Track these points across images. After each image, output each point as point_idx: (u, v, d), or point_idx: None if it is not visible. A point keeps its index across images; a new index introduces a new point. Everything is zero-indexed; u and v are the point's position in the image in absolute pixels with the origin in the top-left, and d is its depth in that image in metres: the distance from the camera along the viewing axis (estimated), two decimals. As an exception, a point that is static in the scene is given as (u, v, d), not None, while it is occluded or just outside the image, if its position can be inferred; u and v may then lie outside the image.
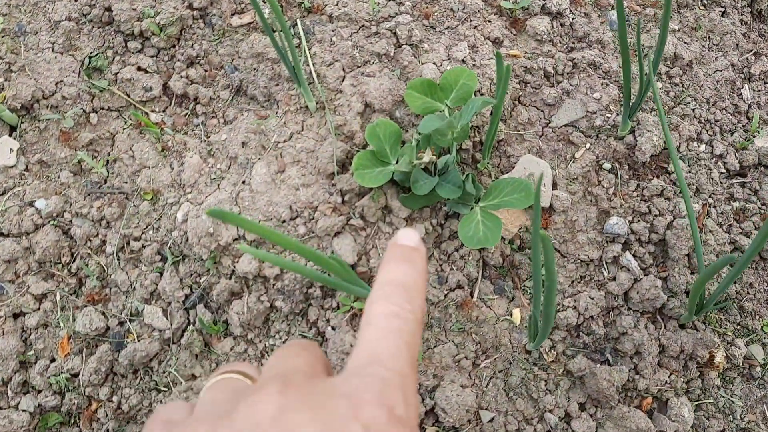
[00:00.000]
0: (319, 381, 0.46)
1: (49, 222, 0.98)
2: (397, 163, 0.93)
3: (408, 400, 0.43)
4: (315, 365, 0.50)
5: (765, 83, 1.13)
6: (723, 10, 1.16)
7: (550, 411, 0.93)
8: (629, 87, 0.92)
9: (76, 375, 0.93)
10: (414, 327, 0.48)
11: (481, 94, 1.02)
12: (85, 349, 0.94)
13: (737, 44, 1.14)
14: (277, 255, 0.81)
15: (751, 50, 1.15)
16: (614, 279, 0.98)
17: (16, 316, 0.95)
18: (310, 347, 0.51)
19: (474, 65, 1.04)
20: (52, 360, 0.94)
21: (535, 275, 0.78)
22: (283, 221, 0.94)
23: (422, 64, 1.03)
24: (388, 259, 0.54)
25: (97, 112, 1.04)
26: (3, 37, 1.04)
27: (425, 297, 0.54)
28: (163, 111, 1.06)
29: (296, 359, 0.50)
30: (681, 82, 1.08)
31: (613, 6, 1.12)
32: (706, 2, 1.16)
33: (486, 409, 0.92)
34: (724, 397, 0.98)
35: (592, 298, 0.96)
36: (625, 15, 0.79)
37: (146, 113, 1.05)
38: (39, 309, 0.95)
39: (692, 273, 0.98)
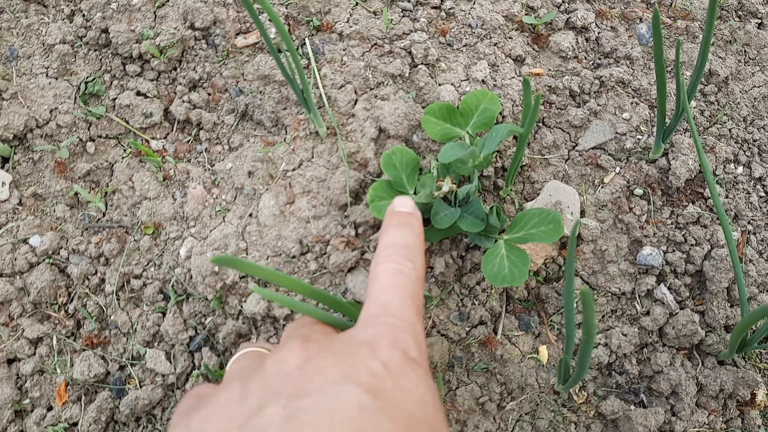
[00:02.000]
0: (336, 335, 0.50)
1: (44, 260, 0.92)
2: (415, 193, 0.87)
3: (419, 345, 0.47)
4: (327, 327, 0.54)
5: (805, 99, 1.06)
6: (759, 21, 1.08)
7: (583, 460, 0.86)
8: (664, 108, 0.85)
9: (74, 424, 0.87)
10: (416, 281, 0.54)
11: (504, 117, 0.95)
12: (83, 397, 0.88)
13: (775, 58, 1.07)
14: (289, 297, 0.76)
15: (790, 63, 1.08)
16: (648, 313, 0.91)
17: (10, 361, 0.89)
18: (320, 320, 0.56)
19: (495, 85, 0.97)
20: (49, 408, 0.88)
21: (568, 321, 0.72)
22: (293, 257, 0.88)
23: (439, 85, 0.96)
24: (387, 224, 0.60)
25: (94, 141, 0.98)
26: (-6, 62, 0.98)
27: (424, 256, 0.58)
28: (165, 138, 1.00)
29: (311, 325, 0.53)
30: (716, 100, 1.01)
31: (641, 19, 1.06)
32: (741, 13, 1.09)
33: (514, 458, 0.86)
34: (766, 437, 0.92)
35: (625, 335, 0.90)
36: (660, 30, 0.72)
37: (146, 141, 0.99)
38: (34, 354, 0.89)
39: (732, 306, 0.92)
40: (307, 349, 0.45)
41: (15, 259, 0.91)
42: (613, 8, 1.08)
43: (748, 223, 0.96)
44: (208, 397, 0.46)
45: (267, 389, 0.42)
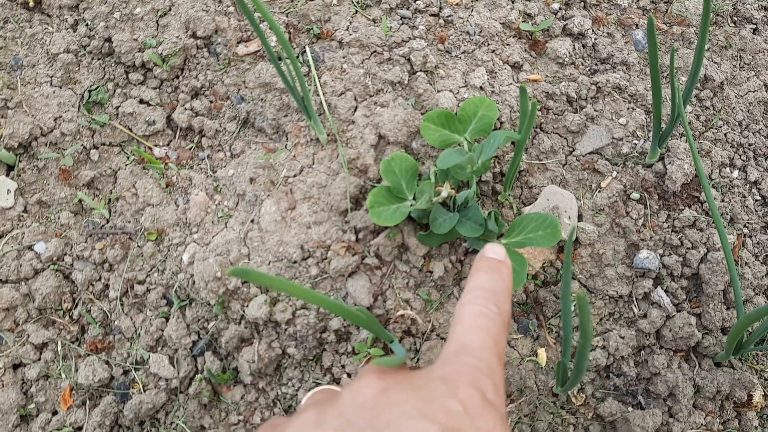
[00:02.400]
0: (413, 371, 0.49)
1: (49, 266, 0.93)
2: (414, 199, 0.88)
3: (497, 388, 0.46)
4: (403, 368, 0.52)
5: (800, 103, 1.07)
6: (754, 27, 1.10)
7: (581, 461, 0.87)
8: (659, 113, 0.86)
9: (79, 429, 0.88)
10: (500, 326, 0.52)
11: (501, 123, 0.96)
12: (88, 401, 0.89)
13: (770, 62, 1.08)
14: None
15: (785, 68, 1.09)
16: (645, 316, 0.92)
17: (15, 366, 0.91)
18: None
19: (493, 92, 0.99)
20: (54, 413, 0.89)
21: (565, 325, 0.73)
22: (294, 262, 0.89)
23: (438, 92, 0.98)
24: (476, 269, 0.59)
25: (98, 149, 0.99)
26: (-1, 71, 1.00)
27: (511, 304, 0.57)
28: (167, 145, 1.01)
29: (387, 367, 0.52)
30: (712, 105, 1.03)
31: (637, 25, 1.07)
32: (736, 19, 1.10)
33: (513, 460, 0.87)
34: (763, 438, 0.93)
35: (623, 337, 0.91)
36: (656, 38, 0.73)
37: (149, 148, 1.00)
38: (40, 359, 0.91)
39: (728, 308, 0.93)
40: (384, 380, 0.45)
41: (20, 266, 0.92)
42: (610, 15, 1.09)
43: (744, 226, 0.97)
44: (282, 425, 0.46)
45: (342, 419, 0.42)
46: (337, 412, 0.43)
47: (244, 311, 0.88)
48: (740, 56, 1.08)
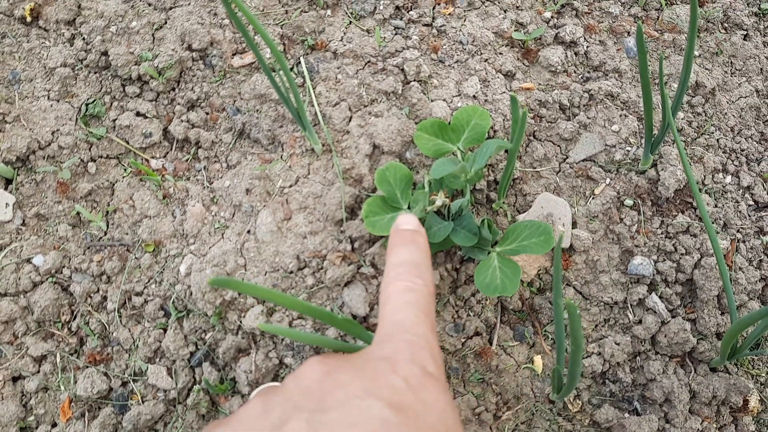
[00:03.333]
0: (353, 354, 0.50)
1: (47, 279, 0.94)
2: (408, 208, 0.89)
3: (436, 360, 0.48)
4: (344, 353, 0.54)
5: (792, 108, 1.08)
6: (745, 33, 1.11)
7: (578, 468, 0.88)
8: (651, 120, 0.87)
9: (78, 440, 0.89)
10: (428, 297, 0.54)
11: (495, 132, 0.97)
12: (87, 413, 0.90)
13: (761, 68, 1.08)
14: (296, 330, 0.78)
15: (776, 74, 1.10)
16: (640, 322, 0.93)
17: (15, 379, 0.91)
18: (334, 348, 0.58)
19: (486, 101, 0.99)
20: (54, 425, 0.90)
21: (558, 332, 0.74)
22: (291, 272, 0.90)
23: (432, 101, 0.99)
24: (393, 243, 0.61)
25: (95, 161, 1.00)
26: (-3, 85, 1.01)
27: (432, 271, 0.58)
28: (164, 157, 1.02)
29: (328, 351, 0.54)
30: (704, 111, 1.03)
31: (629, 33, 1.08)
32: (727, 25, 1.11)
33: (510, 467, 0.87)
34: (760, 442, 0.93)
35: (618, 344, 0.91)
36: (645, 46, 0.74)
37: (146, 160, 1.01)
38: (39, 371, 0.91)
39: (722, 314, 0.93)
40: (327, 365, 0.46)
41: (19, 279, 0.93)
42: (601, 22, 1.10)
43: (737, 231, 0.97)
44: (227, 420, 0.46)
45: (288, 404, 0.42)
46: (283, 398, 0.43)
47: (241, 322, 0.89)
48: (731, 62, 1.09)
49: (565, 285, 0.94)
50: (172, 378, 0.90)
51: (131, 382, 0.91)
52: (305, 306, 0.59)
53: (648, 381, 0.92)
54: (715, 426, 0.92)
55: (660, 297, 0.94)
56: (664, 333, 0.92)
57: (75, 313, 0.94)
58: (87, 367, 0.91)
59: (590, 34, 1.08)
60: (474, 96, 0.99)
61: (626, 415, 0.91)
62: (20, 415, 0.89)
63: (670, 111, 0.76)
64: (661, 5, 1.12)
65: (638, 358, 0.93)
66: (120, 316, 0.93)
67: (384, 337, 0.50)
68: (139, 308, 0.93)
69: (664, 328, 0.92)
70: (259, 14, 1.07)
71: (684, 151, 0.77)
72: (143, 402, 0.89)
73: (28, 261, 0.94)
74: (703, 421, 0.91)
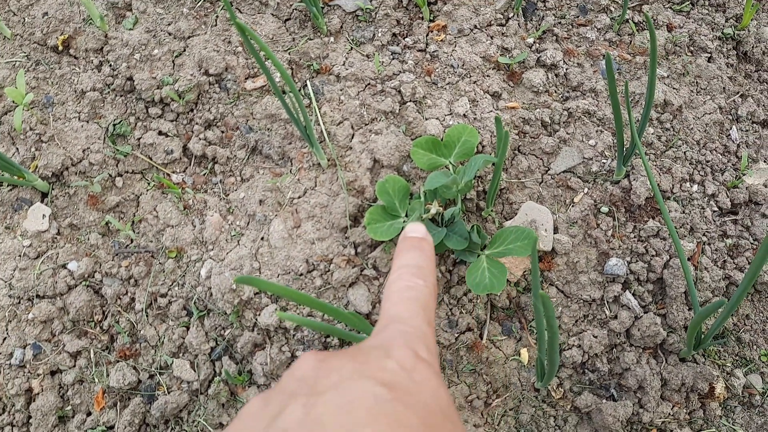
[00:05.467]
0: (348, 348, 0.52)
1: (81, 283, 1.04)
2: (406, 216, 0.99)
3: (429, 349, 0.49)
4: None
5: (752, 123, 1.19)
6: (709, 55, 1.22)
7: (560, 447, 0.97)
8: (622, 136, 0.98)
9: (111, 427, 0.99)
10: (428, 296, 0.56)
11: (483, 147, 1.08)
12: (119, 403, 1.00)
13: (724, 87, 1.19)
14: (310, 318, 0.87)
15: (738, 92, 1.21)
16: (616, 317, 1.02)
17: (53, 373, 1.01)
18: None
19: (475, 119, 1.10)
20: (89, 414, 1.00)
21: (538, 324, 0.83)
22: (301, 274, 1.00)
23: (426, 119, 1.09)
24: (400, 249, 0.62)
25: (122, 176, 1.11)
26: (32, 108, 1.12)
27: (436, 275, 0.60)
28: (184, 171, 1.12)
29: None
30: (672, 127, 1.14)
31: (604, 56, 1.19)
32: (693, 49, 1.22)
33: (499, 447, 0.97)
34: (726, 425, 1.02)
35: (596, 337, 1.01)
36: (614, 70, 0.85)
37: (168, 174, 1.12)
38: (75, 366, 1.01)
39: (689, 309, 1.03)
40: (320, 355, 0.47)
41: (56, 283, 1.03)
42: (579, 47, 1.21)
43: (703, 234, 1.08)
44: (233, 420, 0.49)
45: (285, 393, 0.43)
46: (279, 390, 0.44)
47: (256, 319, 0.99)
48: (697, 82, 1.20)
49: (547, 284, 1.04)
50: (194, 371, 1.00)
51: (158, 375, 1.01)
52: (316, 302, 0.67)
53: (623, 370, 1.00)
54: (684, 411, 1.01)
55: (633, 294, 1.03)
56: (638, 327, 1.01)
57: (106, 313, 1.04)
58: (118, 361, 1.01)
59: (569, 58, 1.19)
60: (464, 115, 1.10)
61: (604, 401, 0.99)
62: (59, 405, 0.99)
63: (635, 130, 0.87)
64: (633, 31, 1.23)
65: (614, 349, 1.02)
66: (147, 316, 1.03)
67: (381, 329, 0.51)
68: (164, 308, 1.03)
69: (637, 322, 1.01)
70: (269, 42, 1.18)
71: (649, 164, 0.87)
72: (169, 392, 0.99)
73: (64, 266, 1.04)
74: (673, 406, 1.00)
